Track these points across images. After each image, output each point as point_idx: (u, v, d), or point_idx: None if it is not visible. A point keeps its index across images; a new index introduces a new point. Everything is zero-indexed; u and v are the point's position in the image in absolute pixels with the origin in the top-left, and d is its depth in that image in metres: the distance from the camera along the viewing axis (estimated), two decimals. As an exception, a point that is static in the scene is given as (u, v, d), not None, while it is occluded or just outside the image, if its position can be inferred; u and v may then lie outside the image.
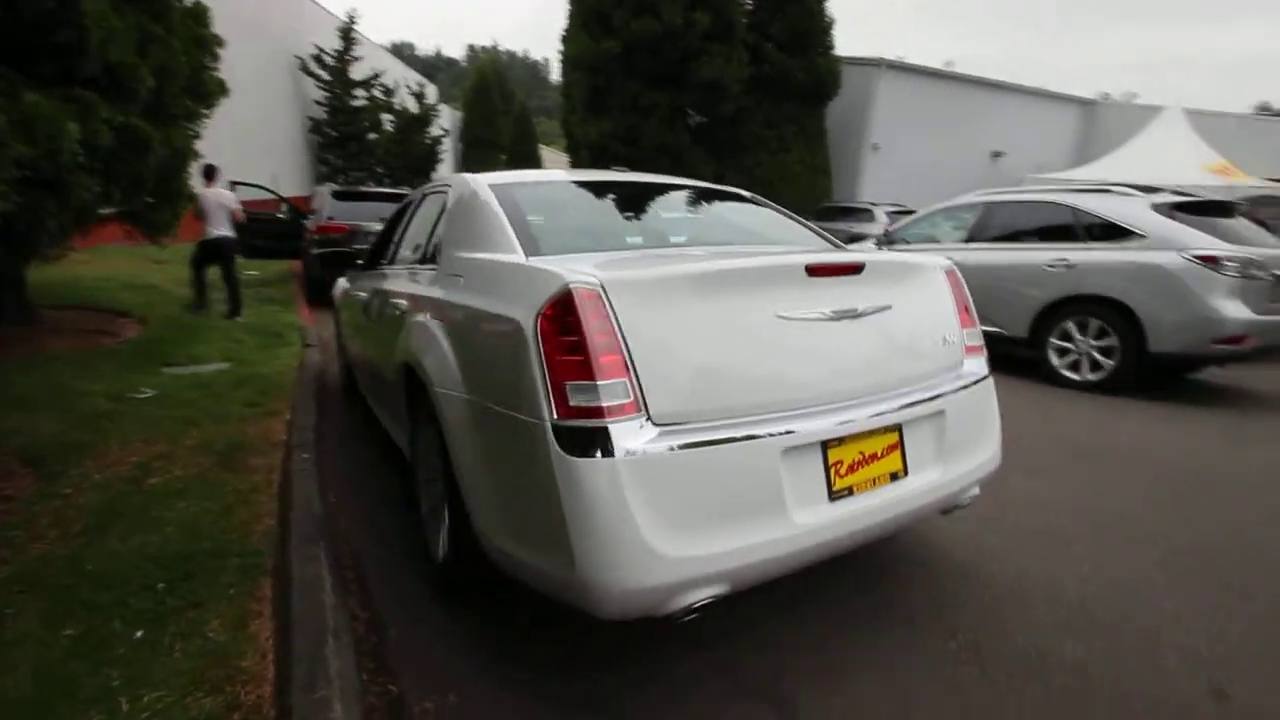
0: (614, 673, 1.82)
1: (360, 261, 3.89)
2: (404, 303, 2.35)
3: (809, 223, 2.64)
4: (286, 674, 1.68)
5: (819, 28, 16.88)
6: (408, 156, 20.42)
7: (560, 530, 1.41)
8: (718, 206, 2.62)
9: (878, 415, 1.74)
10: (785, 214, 2.69)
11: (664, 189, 2.62)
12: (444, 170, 28.83)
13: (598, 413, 1.42)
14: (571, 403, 1.42)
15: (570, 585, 1.44)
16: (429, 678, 1.79)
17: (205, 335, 6.17)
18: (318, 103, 18.72)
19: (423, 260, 2.57)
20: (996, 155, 21.27)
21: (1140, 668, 1.83)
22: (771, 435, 1.55)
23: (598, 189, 2.51)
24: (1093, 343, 5.11)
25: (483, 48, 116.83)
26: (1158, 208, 5.05)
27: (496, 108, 36.72)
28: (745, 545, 1.50)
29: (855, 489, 1.69)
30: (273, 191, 10.08)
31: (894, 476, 1.78)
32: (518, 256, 1.85)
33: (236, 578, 2.23)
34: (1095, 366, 5.11)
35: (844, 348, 1.76)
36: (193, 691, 1.70)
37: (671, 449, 1.44)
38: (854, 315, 1.78)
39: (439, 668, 1.83)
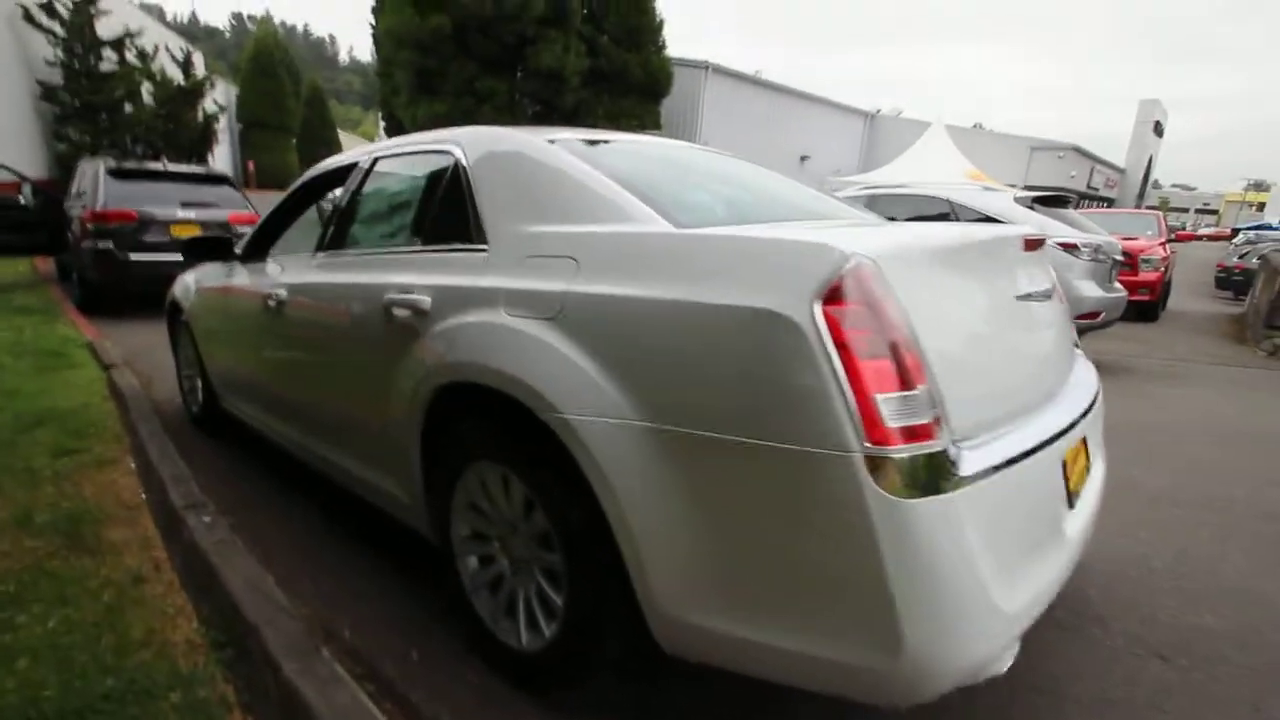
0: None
1: (239, 252, 2.93)
2: (421, 299, 1.69)
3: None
4: None
5: (650, 25, 17.15)
6: (173, 135, 17.02)
7: (874, 598, 1.00)
8: (769, 177, 2.26)
9: (1080, 408, 1.54)
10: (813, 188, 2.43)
11: (713, 155, 2.22)
12: (221, 153, 24.50)
13: (923, 433, 1.02)
14: (889, 422, 1.00)
15: (879, 672, 1.03)
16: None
17: (-60, 360, 4.45)
18: (50, 63, 14.80)
19: (424, 242, 1.90)
20: (804, 159, 23.42)
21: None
22: (1053, 439, 1.27)
23: (653, 152, 2.02)
24: (975, 322, 5.62)
25: (250, 16, 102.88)
26: (1020, 200, 5.68)
27: (286, 88, 32.23)
28: (1050, 577, 1.21)
29: (1078, 491, 1.48)
30: (9, 169, 7.69)
31: (1087, 472, 1.60)
32: (664, 227, 1.36)
33: (189, 729, 1.44)
34: (978, 344, 5.61)
35: (1048, 332, 1.55)
36: None
37: (993, 471, 1.10)
38: (1046, 296, 1.57)
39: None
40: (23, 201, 7.81)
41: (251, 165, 29.91)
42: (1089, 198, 26.08)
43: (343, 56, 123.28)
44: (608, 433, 1.24)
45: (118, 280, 6.65)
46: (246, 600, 1.78)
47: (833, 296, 1.04)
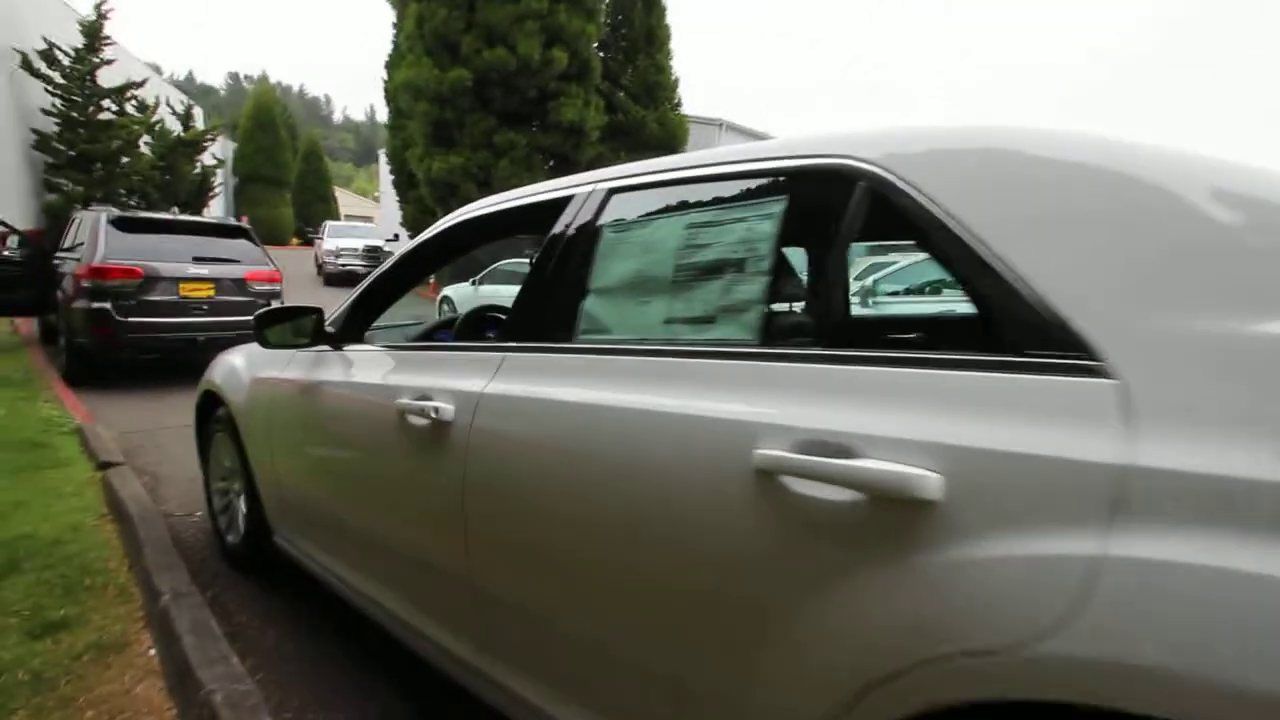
0: None
1: (332, 329, 2.01)
2: (909, 476, 0.75)
3: None
4: None
5: (667, 82, 17.00)
6: (170, 187, 16.23)
7: None
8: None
9: None
10: None
11: None
12: (216, 206, 23.54)
13: None
14: None
15: None
16: None
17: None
18: (45, 112, 14.04)
19: (835, 342, 1.01)
20: (815, 215, 23.23)
21: None
22: None
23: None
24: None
25: (247, 76, 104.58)
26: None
27: (284, 142, 31.88)
28: None
29: None
30: (-6, 218, 6.78)
31: None
32: None
33: None
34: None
35: None
36: None
37: None
38: None
39: None
40: (7, 254, 6.87)
41: (245, 219, 29.26)
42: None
43: (337, 115, 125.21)
44: None
45: (114, 347, 5.68)
46: None
47: None
